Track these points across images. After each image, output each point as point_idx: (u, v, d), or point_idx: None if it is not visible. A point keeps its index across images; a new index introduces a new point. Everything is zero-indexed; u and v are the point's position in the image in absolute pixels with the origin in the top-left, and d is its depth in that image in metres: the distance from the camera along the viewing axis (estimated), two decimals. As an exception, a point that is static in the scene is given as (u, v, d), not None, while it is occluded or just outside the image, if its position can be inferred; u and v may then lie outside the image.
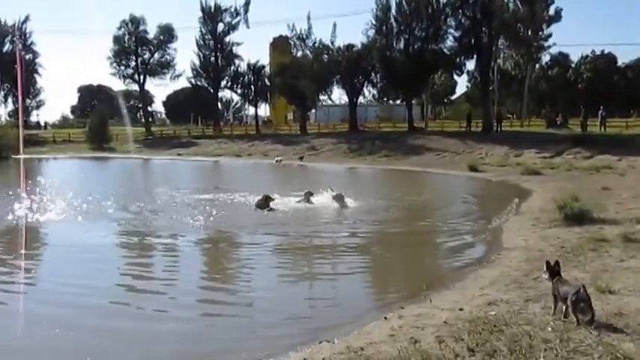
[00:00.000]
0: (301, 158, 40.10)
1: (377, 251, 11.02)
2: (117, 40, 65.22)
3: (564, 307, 5.54)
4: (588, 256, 8.72)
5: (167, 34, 65.95)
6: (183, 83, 77.41)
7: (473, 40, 45.40)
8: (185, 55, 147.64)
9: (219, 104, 77.67)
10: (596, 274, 7.47)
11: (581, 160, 28.40)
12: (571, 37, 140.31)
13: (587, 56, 73.77)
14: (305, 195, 16.78)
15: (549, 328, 5.29)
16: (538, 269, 7.84)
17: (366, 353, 5.18)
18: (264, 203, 15.75)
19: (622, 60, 74.31)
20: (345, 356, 5.18)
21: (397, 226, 13.42)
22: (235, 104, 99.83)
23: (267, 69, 63.56)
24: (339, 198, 16.00)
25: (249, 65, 63.01)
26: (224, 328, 6.80)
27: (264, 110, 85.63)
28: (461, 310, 6.36)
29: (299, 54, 57.38)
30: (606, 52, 73.29)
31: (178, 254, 11.06)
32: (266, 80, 62.57)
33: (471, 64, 51.37)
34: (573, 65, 73.82)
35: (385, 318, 6.50)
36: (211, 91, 66.43)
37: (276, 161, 39.39)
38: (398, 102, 63.51)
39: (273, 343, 5.96)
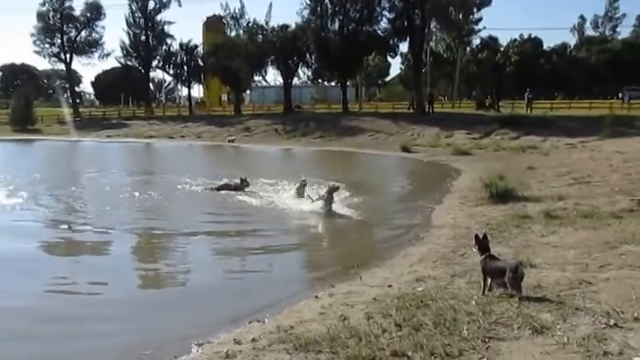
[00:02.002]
0: (232, 140, 39.50)
1: (311, 230, 11.05)
2: (41, 16, 61.74)
3: (490, 281, 5.71)
4: (512, 232, 9.06)
5: (95, 11, 63.02)
6: (112, 63, 75.08)
7: (406, 23, 45.83)
8: (114, 33, 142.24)
9: (150, 85, 75.55)
10: (519, 249, 7.77)
11: (508, 141, 29.35)
12: (500, 22, 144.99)
13: (515, 40, 76.31)
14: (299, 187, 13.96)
15: (473, 302, 5.45)
16: (464, 246, 8.11)
17: (296, 332, 5.18)
18: (238, 187, 15.21)
19: (547, 44, 77.40)
20: (275, 335, 5.16)
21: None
22: (168, 85, 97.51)
23: (201, 49, 62.00)
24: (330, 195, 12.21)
25: (181, 45, 61.37)
26: (156, 311, 6.68)
27: (197, 91, 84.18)
28: (390, 286, 6.46)
29: (233, 34, 56.38)
30: (533, 36, 76.05)
31: (107, 252, 9.95)
32: (199, 60, 61.07)
33: (404, 47, 52.18)
34: (502, 49, 76.15)
35: (316, 296, 6.54)
36: (142, 71, 64.32)
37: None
38: (333, 83, 63.67)
39: (204, 324, 5.88)
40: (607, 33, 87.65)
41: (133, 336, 5.79)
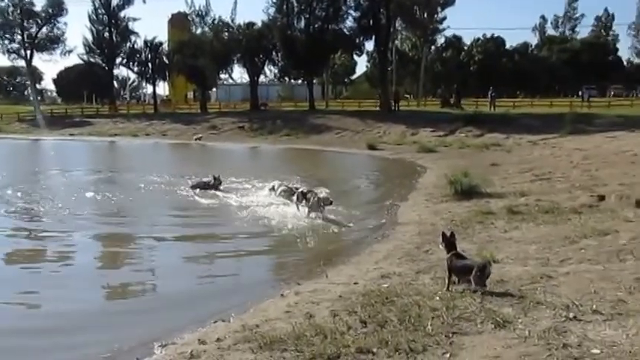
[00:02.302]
0: (199, 138, 39.07)
1: (278, 229, 10.98)
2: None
3: (456, 279, 5.77)
4: (476, 228, 9.19)
5: (56, 6, 61.87)
6: (75, 60, 73.31)
7: (371, 21, 46.15)
8: (77, 29, 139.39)
9: (114, 82, 74.19)
10: (482, 244, 7.88)
11: (472, 138, 29.81)
12: (464, 21, 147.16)
13: (478, 39, 77.69)
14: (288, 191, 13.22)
15: (437, 298, 5.50)
16: (429, 242, 8.20)
17: (261, 330, 5.14)
18: (211, 186, 14.94)
19: (510, 43, 78.96)
20: (240, 334, 5.11)
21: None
22: (132, 82, 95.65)
23: (166, 46, 61.27)
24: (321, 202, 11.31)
25: (146, 42, 60.39)
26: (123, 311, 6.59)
27: (163, 89, 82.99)
28: (355, 284, 6.48)
29: (198, 31, 55.83)
30: (496, 35, 77.46)
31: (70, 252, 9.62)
32: (164, 58, 60.31)
33: (370, 45, 52.53)
34: (466, 48, 77.33)
35: (282, 295, 6.51)
36: (106, 68, 63.24)
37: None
38: (299, 81, 63.62)
39: (169, 324, 5.79)
40: (567, 33, 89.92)
41: (93, 347, 5.45)
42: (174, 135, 42.64)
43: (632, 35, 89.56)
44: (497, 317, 4.81)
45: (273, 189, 13.70)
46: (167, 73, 62.64)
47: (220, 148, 34.61)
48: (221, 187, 14.95)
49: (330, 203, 11.20)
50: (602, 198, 10.76)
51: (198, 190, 14.97)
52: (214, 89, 73.35)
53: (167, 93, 78.98)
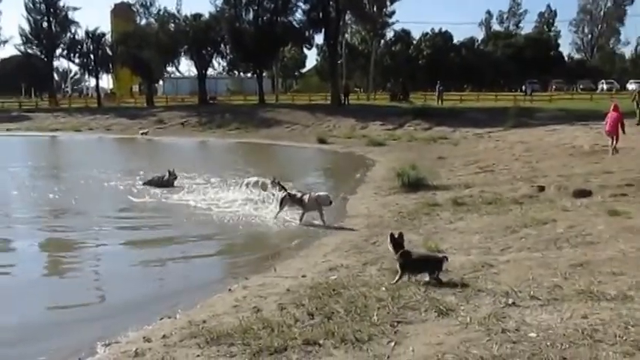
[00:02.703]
0: (145, 133, 38.12)
1: (225, 224, 10.89)
2: None
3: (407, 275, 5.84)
4: (422, 219, 9.40)
5: (-11, -6, 59.23)
6: (12, 51, 70.28)
7: (321, 14, 46.18)
8: (13, 18, 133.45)
9: (54, 74, 71.66)
10: (428, 235, 8.07)
11: (420, 132, 30.34)
12: (413, 16, 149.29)
13: (426, 34, 78.83)
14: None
15: (383, 288, 5.60)
16: (377, 234, 8.34)
17: (208, 326, 5.10)
18: (166, 181, 14.45)
19: (457, 38, 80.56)
20: (187, 330, 5.06)
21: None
22: (74, 75, 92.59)
23: (109, 37, 59.55)
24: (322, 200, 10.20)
25: (87, 32, 58.44)
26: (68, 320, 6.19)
27: (106, 82, 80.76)
28: (303, 277, 6.52)
29: (143, 22, 54.64)
30: (444, 30, 78.83)
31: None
32: (107, 49, 58.60)
33: (319, 38, 52.52)
34: (415, 42, 78.43)
35: (229, 290, 6.49)
36: (45, 59, 60.83)
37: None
38: (248, 75, 63.11)
39: (115, 323, 5.66)
40: (511, 28, 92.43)
41: (34, 357, 5.12)
42: (120, 130, 41.60)
43: (572, 31, 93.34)
44: (440, 305, 4.94)
45: (249, 185, 12.85)
46: (111, 66, 60.91)
47: (168, 142, 33.99)
48: (175, 183, 14.62)
49: (330, 203, 10.14)
50: (541, 189, 11.18)
51: (151, 186, 14.51)
52: (161, 82, 71.97)
53: (111, 86, 76.94)
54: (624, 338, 4.00)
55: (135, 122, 43.01)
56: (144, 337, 5.08)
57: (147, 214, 11.68)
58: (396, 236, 6.08)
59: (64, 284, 7.64)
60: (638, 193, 10.32)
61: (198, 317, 5.48)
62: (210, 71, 56.60)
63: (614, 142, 16.10)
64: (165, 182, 14.58)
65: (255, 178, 12.88)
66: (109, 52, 58.27)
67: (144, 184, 14.84)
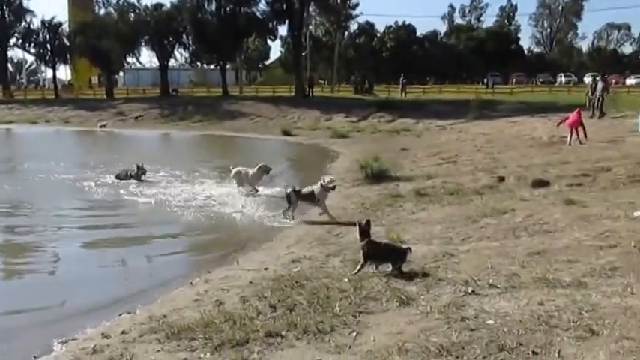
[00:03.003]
0: (103, 126, 37.14)
1: (188, 219, 10.75)
2: None
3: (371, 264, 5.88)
4: (385, 211, 9.46)
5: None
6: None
7: (285, 6, 45.92)
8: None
9: (8, 65, 69.38)
10: (391, 226, 8.13)
11: (384, 124, 30.51)
12: (376, 8, 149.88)
13: (390, 27, 79.24)
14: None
15: (346, 279, 5.62)
16: (340, 226, 8.34)
17: (169, 320, 5.05)
18: (135, 176, 14.04)
19: (420, 31, 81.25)
20: (147, 326, 4.99)
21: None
22: (29, 66, 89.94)
23: (66, 27, 57.82)
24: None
25: (43, 22, 56.46)
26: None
27: (64, 73, 78.67)
28: (266, 269, 6.50)
29: (102, 12, 53.44)
30: (407, 23, 79.39)
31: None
32: (65, 39, 56.89)
33: (283, 30, 52.27)
34: (379, 35, 78.74)
35: (191, 284, 6.43)
36: (-2, 49, 58.83)
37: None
38: (212, 66, 62.37)
39: (74, 323, 5.46)
40: (473, 22, 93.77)
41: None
42: (78, 122, 40.60)
43: (532, 25, 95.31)
44: (401, 295, 4.99)
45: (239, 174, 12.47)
46: (68, 56, 59.07)
47: (129, 135, 33.35)
48: (143, 178, 14.26)
49: (334, 188, 9.81)
50: (501, 179, 11.39)
51: (119, 180, 14.13)
52: (121, 73, 70.55)
53: (69, 77, 74.92)
54: (578, 323, 4.12)
55: (94, 114, 42.01)
56: (102, 334, 5.01)
57: (109, 212, 11.28)
58: (363, 224, 6.10)
59: (21, 287, 7.25)
60: (593, 183, 10.63)
61: (158, 312, 5.41)
62: (172, 62, 55.86)
63: (576, 135, 16.20)
64: (135, 177, 14.29)
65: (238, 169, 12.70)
66: (67, 43, 56.50)
67: (116, 177, 14.45)
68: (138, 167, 14.39)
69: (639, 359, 3.49)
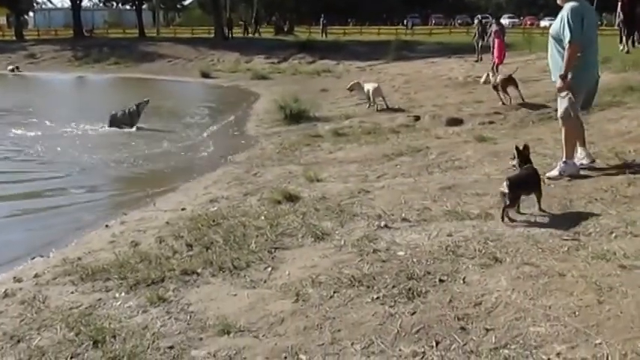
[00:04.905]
0: (15, 68, 34.83)
1: (101, 161, 10.42)
2: None
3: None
4: (303, 150, 9.54)
5: None
6: None
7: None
8: None
9: None
10: (308, 166, 8.20)
11: (305, 65, 30.26)
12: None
13: (311, -33, 77.36)
14: None
15: (262, 217, 5.67)
16: (258, 166, 8.36)
17: (83, 262, 4.97)
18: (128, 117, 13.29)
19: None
20: (60, 268, 4.90)
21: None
22: None
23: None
24: None
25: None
26: None
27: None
28: (183, 209, 6.45)
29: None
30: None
31: None
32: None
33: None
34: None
35: (106, 226, 6.31)
36: None
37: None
38: (127, 7, 59.19)
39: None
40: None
41: None
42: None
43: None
44: (316, 231, 5.09)
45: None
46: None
47: (42, 78, 31.52)
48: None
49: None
50: (417, 118, 11.68)
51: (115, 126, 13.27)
52: (31, 14, 65.80)
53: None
54: (483, 252, 4.33)
55: (3, 57, 39.19)
56: (14, 278, 4.90)
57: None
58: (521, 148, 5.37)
59: None
60: (504, 120, 11.05)
61: (72, 255, 5.31)
62: (85, 2, 52.59)
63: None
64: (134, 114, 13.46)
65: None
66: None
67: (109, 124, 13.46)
68: (137, 106, 13.64)
69: (538, 283, 3.73)
